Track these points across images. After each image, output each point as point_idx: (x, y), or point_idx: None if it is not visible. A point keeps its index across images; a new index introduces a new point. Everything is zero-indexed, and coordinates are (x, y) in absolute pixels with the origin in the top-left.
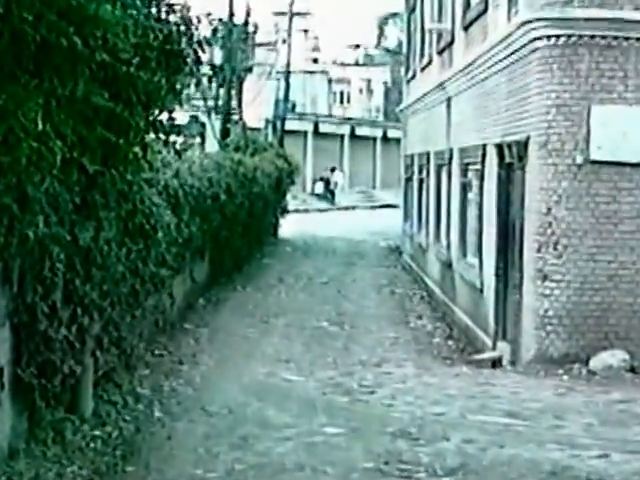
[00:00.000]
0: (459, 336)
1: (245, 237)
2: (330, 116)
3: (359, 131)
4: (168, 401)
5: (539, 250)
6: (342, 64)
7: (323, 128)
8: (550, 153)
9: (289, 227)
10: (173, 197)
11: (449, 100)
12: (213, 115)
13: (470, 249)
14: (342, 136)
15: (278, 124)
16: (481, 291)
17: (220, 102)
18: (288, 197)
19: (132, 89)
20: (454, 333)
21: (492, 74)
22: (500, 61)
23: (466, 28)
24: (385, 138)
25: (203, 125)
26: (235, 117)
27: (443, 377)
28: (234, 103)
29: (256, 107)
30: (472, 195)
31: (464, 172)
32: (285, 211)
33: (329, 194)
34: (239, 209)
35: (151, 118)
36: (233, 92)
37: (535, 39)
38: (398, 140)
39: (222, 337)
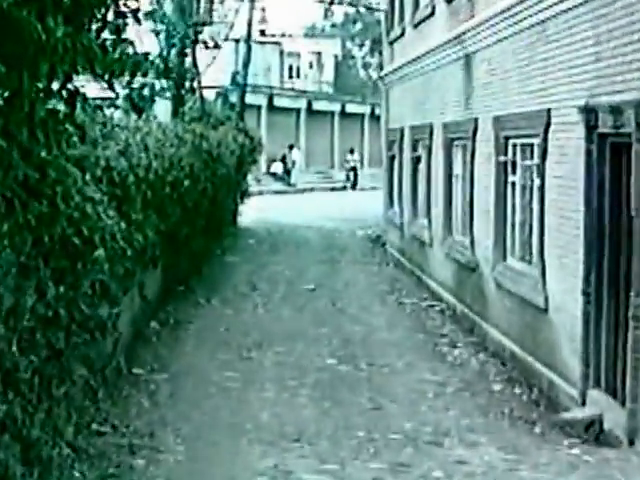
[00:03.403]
0: (519, 376)
1: (207, 232)
2: (285, 89)
3: (316, 105)
4: None
5: None
6: (290, 36)
7: (278, 102)
8: None
9: (247, 213)
10: (119, 186)
11: (468, 57)
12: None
13: (515, 250)
14: (298, 111)
15: (232, 96)
16: (545, 311)
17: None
18: (249, 178)
19: None
20: (512, 371)
21: (562, 12)
22: None
23: None
24: (343, 113)
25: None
26: (189, 83)
27: (552, 470)
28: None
29: (211, 75)
30: (517, 178)
31: (502, 148)
32: (246, 195)
33: (285, 174)
34: (202, 197)
35: (84, 39)
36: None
37: None
38: (357, 115)
39: (189, 391)
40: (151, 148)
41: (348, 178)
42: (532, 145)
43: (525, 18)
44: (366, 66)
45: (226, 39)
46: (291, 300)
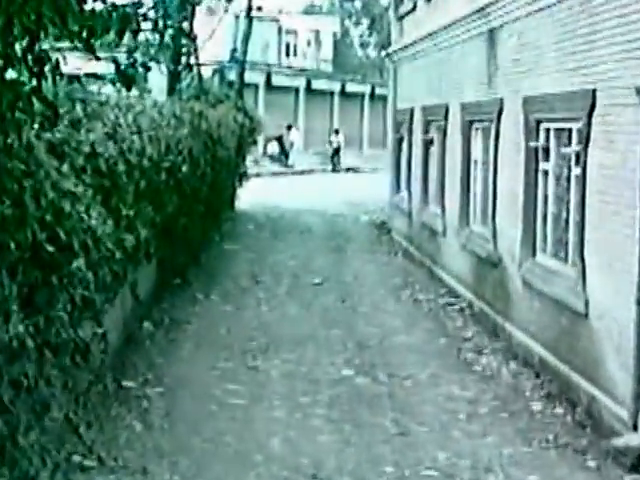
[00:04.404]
0: (558, 391)
1: (205, 219)
2: (284, 67)
3: (315, 84)
4: None
5: None
6: (288, 13)
7: (276, 80)
8: None
9: (245, 195)
10: (107, 176)
11: (493, 32)
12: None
13: (547, 246)
14: (297, 90)
15: (230, 73)
16: (585, 316)
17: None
18: (248, 161)
19: None
20: (549, 385)
21: None
22: None
23: None
24: (343, 92)
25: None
26: (185, 58)
27: None
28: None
29: (208, 50)
30: (550, 166)
31: (533, 132)
32: (244, 177)
33: (283, 155)
34: (201, 183)
35: None
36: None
37: None
38: (357, 95)
39: (188, 409)
40: (145, 129)
41: (332, 159)
42: (570, 130)
43: None
44: (364, 45)
45: (227, 6)
46: (297, 295)
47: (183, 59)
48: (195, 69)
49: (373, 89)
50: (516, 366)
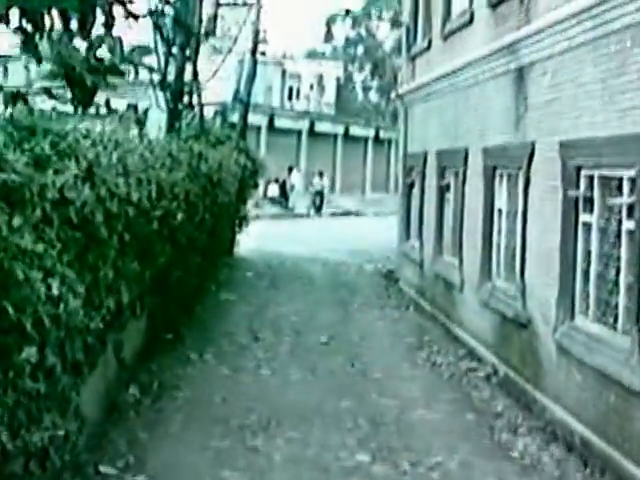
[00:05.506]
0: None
1: (201, 268)
2: (287, 109)
3: (319, 127)
4: None
5: None
6: (292, 57)
7: (279, 123)
8: None
9: (244, 239)
10: (81, 228)
11: (522, 70)
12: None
13: (589, 308)
14: (299, 132)
15: (233, 115)
16: (638, 395)
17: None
18: (249, 204)
19: None
20: (600, 476)
21: None
22: None
23: None
24: (346, 136)
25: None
26: (188, 97)
27: None
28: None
29: (210, 90)
30: (594, 218)
31: (573, 180)
32: (245, 222)
33: (283, 198)
34: (198, 230)
35: None
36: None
37: None
38: (361, 138)
39: None
40: (133, 171)
41: (314, 203)
42: (620, 178)
43: (613, 19)
44: (366, 89)
45: (230, 50)
46: (300, 356)
47: (185, 97)
48: (197, 108)
49: (377, 132)
50: (558, 450)
